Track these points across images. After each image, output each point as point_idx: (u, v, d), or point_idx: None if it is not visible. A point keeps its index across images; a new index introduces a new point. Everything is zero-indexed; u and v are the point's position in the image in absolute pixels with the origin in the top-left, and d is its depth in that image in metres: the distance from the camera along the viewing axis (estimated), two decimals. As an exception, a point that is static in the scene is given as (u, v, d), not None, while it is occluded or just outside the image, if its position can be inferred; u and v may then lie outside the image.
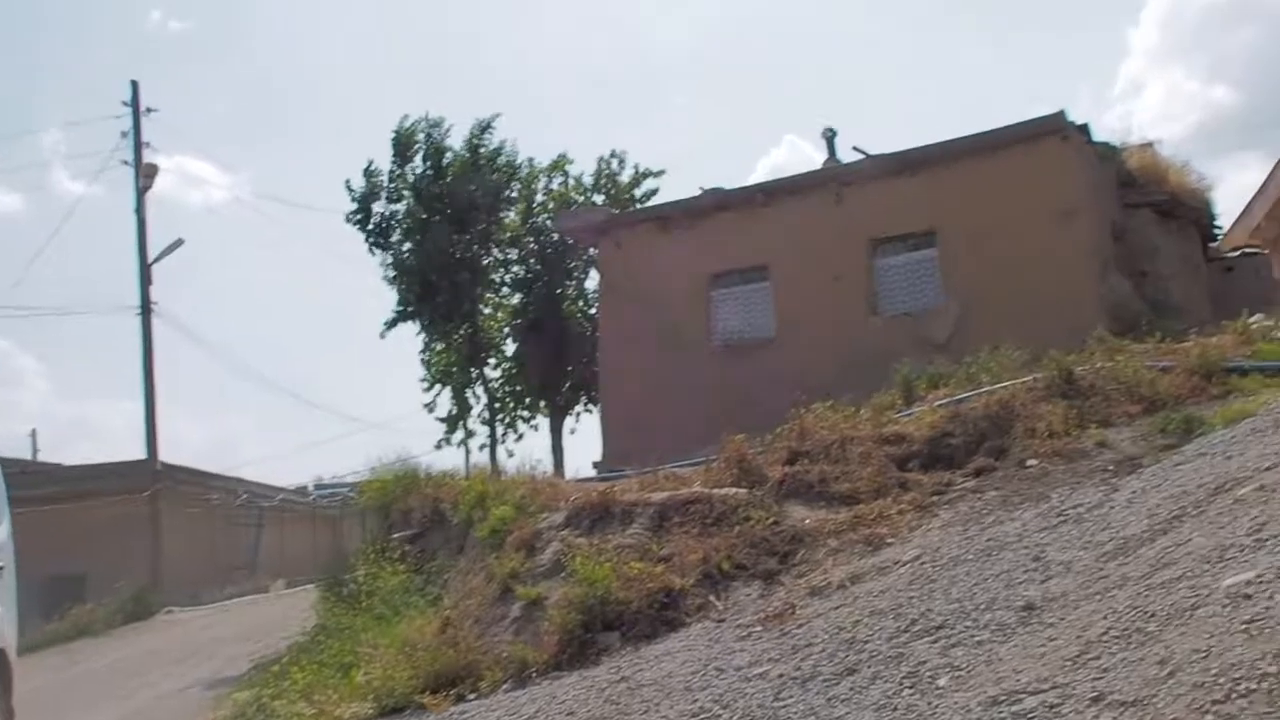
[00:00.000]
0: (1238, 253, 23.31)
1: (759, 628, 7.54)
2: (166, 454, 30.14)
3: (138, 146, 30.88)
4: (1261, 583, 4.85)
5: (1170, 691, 4.27)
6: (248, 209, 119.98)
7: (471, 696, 8.36)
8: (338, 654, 10.58)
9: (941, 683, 5.55)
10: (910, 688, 5.65)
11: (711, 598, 8.56)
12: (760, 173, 75.69)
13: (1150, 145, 21.21)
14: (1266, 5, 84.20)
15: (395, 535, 14.18)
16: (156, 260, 30.17)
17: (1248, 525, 5.79)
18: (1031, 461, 9.64)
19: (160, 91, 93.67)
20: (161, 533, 28.32)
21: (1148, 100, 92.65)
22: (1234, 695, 4.01)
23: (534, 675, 8.31)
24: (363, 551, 14.17)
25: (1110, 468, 8.96)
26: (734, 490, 10.18)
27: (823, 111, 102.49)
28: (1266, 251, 25.51)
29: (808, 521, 9.48)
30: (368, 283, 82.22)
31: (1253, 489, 6.51)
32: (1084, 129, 18.86)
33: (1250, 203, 33.01)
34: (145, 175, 30.53)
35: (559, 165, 30.15)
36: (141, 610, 23.71)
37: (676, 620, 8.38)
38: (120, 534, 27.71)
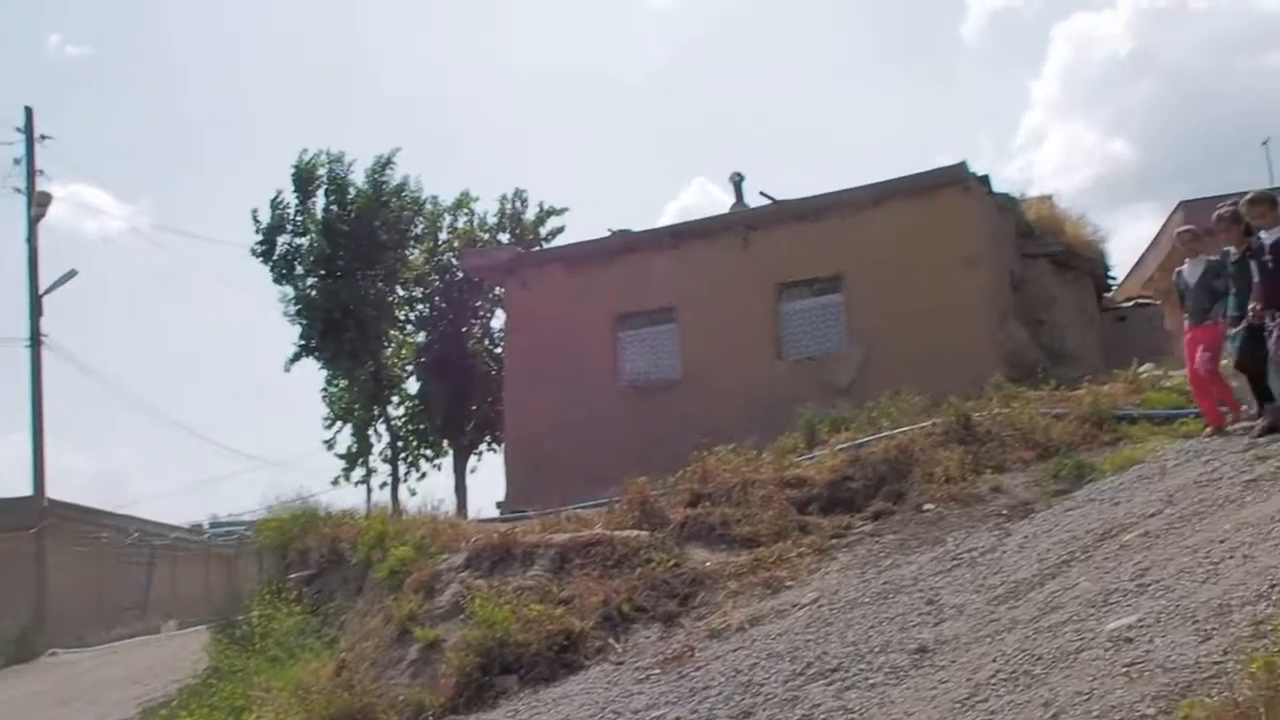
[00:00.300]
0: (1131, 303, 24.06)
1: (657, 670, 7.54)
2: (54, 489, 29.27)
3: (31, 174, 29.93)
4: (1143, 626, 4.96)
5: (1054, 733, 4.35)
6: (145, 240, 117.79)
7: (365, 740, 8.22)
8: (229, 697, 10.29)
9: (835, 726, 5.58)
10: (804, 731, 5.67)
11: (611, 640, 8.53)
12: (669, 215, 76.39)
13: (1048, 197, 21.83)
14: (1164, 61, 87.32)
15: (292, 575, 13.85)
16: (48, 291, 29.29)
17: (1131, 570, 5.94)
18: (928, 506, 9.78)
19: (57, 118, 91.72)
20: (47, 571, 27.20)
21: (1048, 152, 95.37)
22: (1114, 737, 4.09)
23: (430, 719, 8.19)
24: (258, 592, 13.84)
25: (1004, 512, 9.14)
26: (636, 532, 10.16)
27: (732, 156, 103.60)
28: (1159, 303, 26.35)
29: (708, 564, 9.50)
30: (267, 317, 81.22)
31: (1137, 535, 6.69)
32: (985, 180, 19.31)
33: (1144, 255, 34.10)
34: (38, 204, 29.55)
35: (463, 203, 30.09)
36: (25, 652, 22.81)
37: (576, 663, 8.33)
38: (3, 572, 26.71)
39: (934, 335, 17.43)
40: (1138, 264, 32.83)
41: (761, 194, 21.30)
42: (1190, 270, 10.21)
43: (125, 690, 15.49)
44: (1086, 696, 4.49)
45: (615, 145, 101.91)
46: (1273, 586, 4.69)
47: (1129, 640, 4.88)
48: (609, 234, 22.44)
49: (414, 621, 9.64)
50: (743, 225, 21.01)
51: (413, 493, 28.70)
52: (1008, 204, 20.22)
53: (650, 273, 21.17)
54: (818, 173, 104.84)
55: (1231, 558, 5.38)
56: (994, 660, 5.53)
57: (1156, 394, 11.64)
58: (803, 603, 8.02)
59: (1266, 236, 9.09)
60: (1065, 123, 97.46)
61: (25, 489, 28.71)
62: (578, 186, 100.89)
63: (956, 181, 18.62)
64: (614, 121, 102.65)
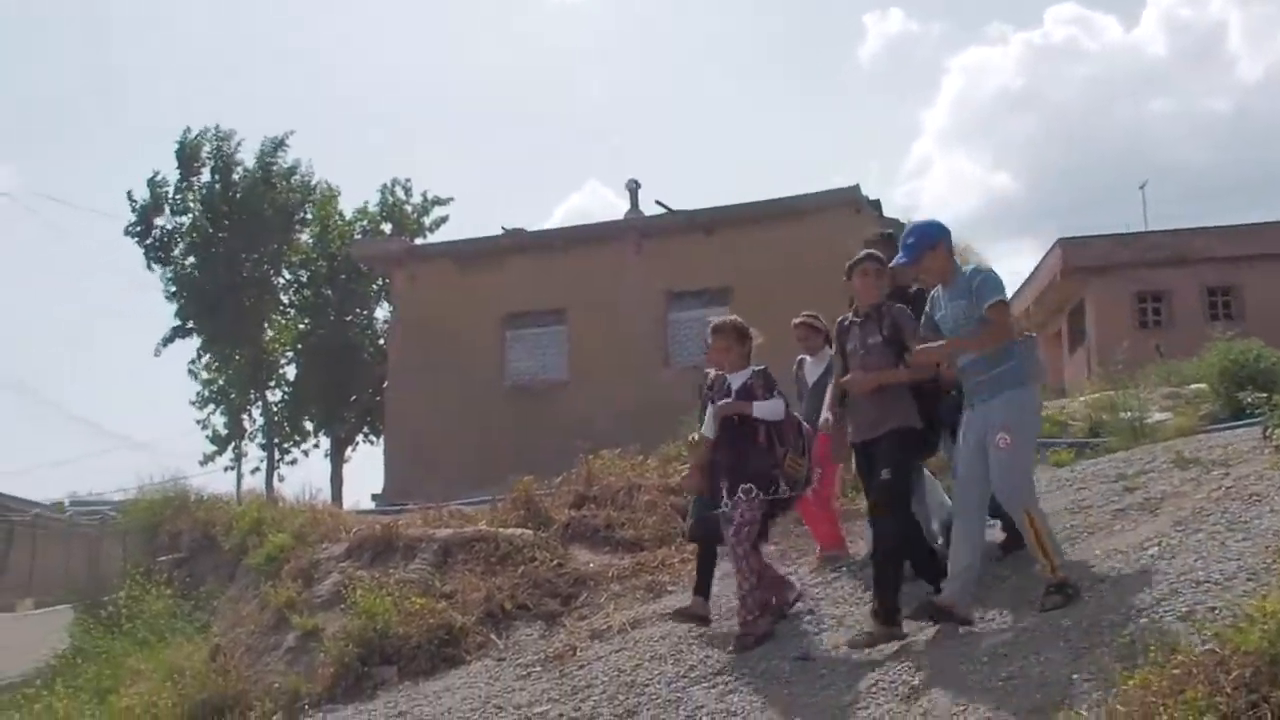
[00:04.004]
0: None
1: (539, 668, 7.58)
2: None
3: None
4: (1017, 644, 5.18)
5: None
6: (20, 208, 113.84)
7: (240, 727, 8.13)
8: (95, 678, 10.11)
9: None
10: (687, 732, 5.79)
11: (493, 636, 8.53)
12: (560, 216, 76.37)
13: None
14: (1050, 97, 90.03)
15: (161, 558, 13.60)
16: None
17: (1007, 592, 6.17)
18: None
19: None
20: None
21: (934, 180, 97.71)
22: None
23: (307, 707, 8.13)
24: (125, 573, 13.54)
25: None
26: (520, 530, 10.19)
27: (626, 161, 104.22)
28: (1034, 335, 27.27)
29: (592, 565, 9.57)
30: (142, 295, 79.03)
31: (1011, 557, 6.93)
32: (876, 204, 19.80)
33: (1021, 288, 35.07)
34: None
35: (330, 197, 29.57)
36: None
37: (457, 657, 8.31)
38: None
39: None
40: (1014, 297, 33.92)
41: (657, 202, 21.59)
42: (812, 368, 8.52)
43: None
44: (964, 708, 4.68)
45: (507, 142, 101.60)
46: (1139, 611, 4.94)
47: (1004, 656, 5.09)
48: (501, 232, 22.45)
49: (291, 609, 9.54)
50: (637, 232, 21.23)
51: (282, 479, 28.32)
52: (896, 229, 20.68)
53: (541, 273, 21.26)
54: (710, 184, 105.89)
55: (1103, 582, 5.65)
56: (874, 670, 5.71)
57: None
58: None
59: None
60: (951, 152, 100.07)
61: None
62: (466, 182, 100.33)
63: (849, 203, 19.09)
64: (506, 117, 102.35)
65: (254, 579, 11.27)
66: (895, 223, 20.92)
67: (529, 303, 21.53)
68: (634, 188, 23.36)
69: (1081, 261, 30.92)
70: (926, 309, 6.38)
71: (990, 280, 6.08)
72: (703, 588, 7.51)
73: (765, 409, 7.02)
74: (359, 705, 7.86)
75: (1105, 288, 30.54)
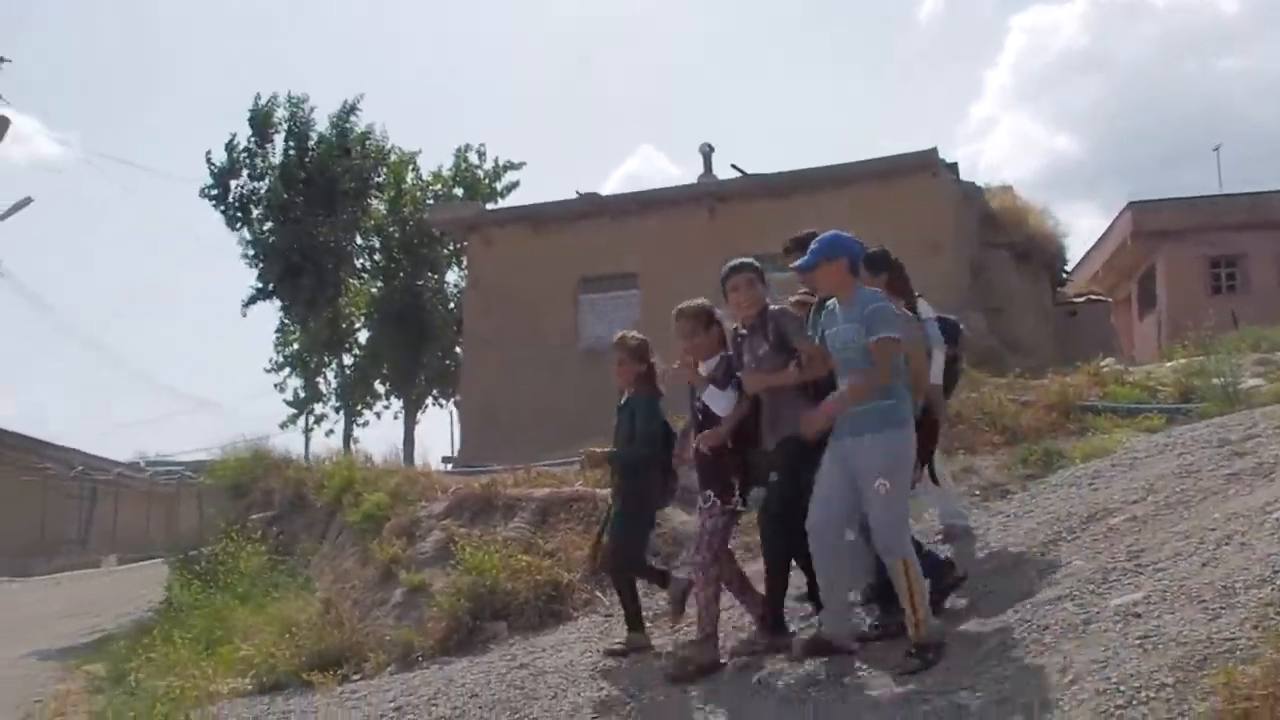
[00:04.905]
0: (1082, 298, 24.63)
1: (649, 624, 7.72)
2: (-12, 419, 29.28)
3: (-12, 98, 29.58)
4: (1149, 603, 5.23)
5: (1074, 697, 4.61)
6: (92, 171, 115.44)
7: (356, 677, 8.38)
8: (205, 630, 10.43)
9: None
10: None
11: (598, 593, 8.72)
12: (614, 182, 76.34)
13: (1010, 188, 22.23)
14: (1116, 57, 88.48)
15: (255, 516, 13.95)
16: (3, 218, 28.96)
17: (1125, 551, 6.22)
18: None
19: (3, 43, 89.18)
20: None
21: (994, 142, 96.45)
22: (1135, 702, 4.35)
23: (420, 659, 8.37)
24: (218, 530, 13.90)
25: (977, 492, 9.41)
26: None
27: (680, 127, 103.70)
28: (1110, 300, 27.03)
29: (688, 525, 9.66)
30: (216, 258, 79.86)
31: (1124, 519, 6.99)
32: (953, 167, 19.68)
33: (1089, 252, 34.71)
34: (-4, 129, 29.14)
35: (404, 162, 29.79)
36: (-31, 580, 22.83)
37: (564, 614, 8.53)
38: None
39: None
40: (1083, 260, 33.60)
41: (732, 166, 21.51)
42: None
43: (73, 621, 15.63)
44: (1102, 665, 4.75)
45: (562, 108, 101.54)
46: (1275, 572, 4.97)
47: (1137, 615, 5.15)
48: (576, 196, 22.55)
49: (398, 565, 9.80)
50: (711, 196, 21.21)
51: (356, 442, 28.75)
52: (972, 192, 20.60)
53: (615, 237, 21.34)
54: (762, 150, 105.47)
55: (1228, 544, 5.67)
56: (996, 631, 5.80)
57: (1120, 388, 11.98)
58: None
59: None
60: (1014, 113, 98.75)
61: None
62: (522, 150, 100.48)
63: (927, 166, 19.00)
64: (562, 84, 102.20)
65: (351, 536, 11.56)
66: (972, 185, 20.87)
67: (603, 267, 21.63)
68: (707, 151, 23.37)
69: (1153, 225, 30.56)
70: (821, 319, 6.22)
71: (883, 313, 5.81)
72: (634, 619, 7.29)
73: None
74: (473, 658, 8.05)
75: (1177, 252, 30.18)
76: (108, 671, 10.69)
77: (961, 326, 8.38)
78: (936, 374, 7.57)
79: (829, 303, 6.18)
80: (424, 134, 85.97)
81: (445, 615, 8.56)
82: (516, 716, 6.40)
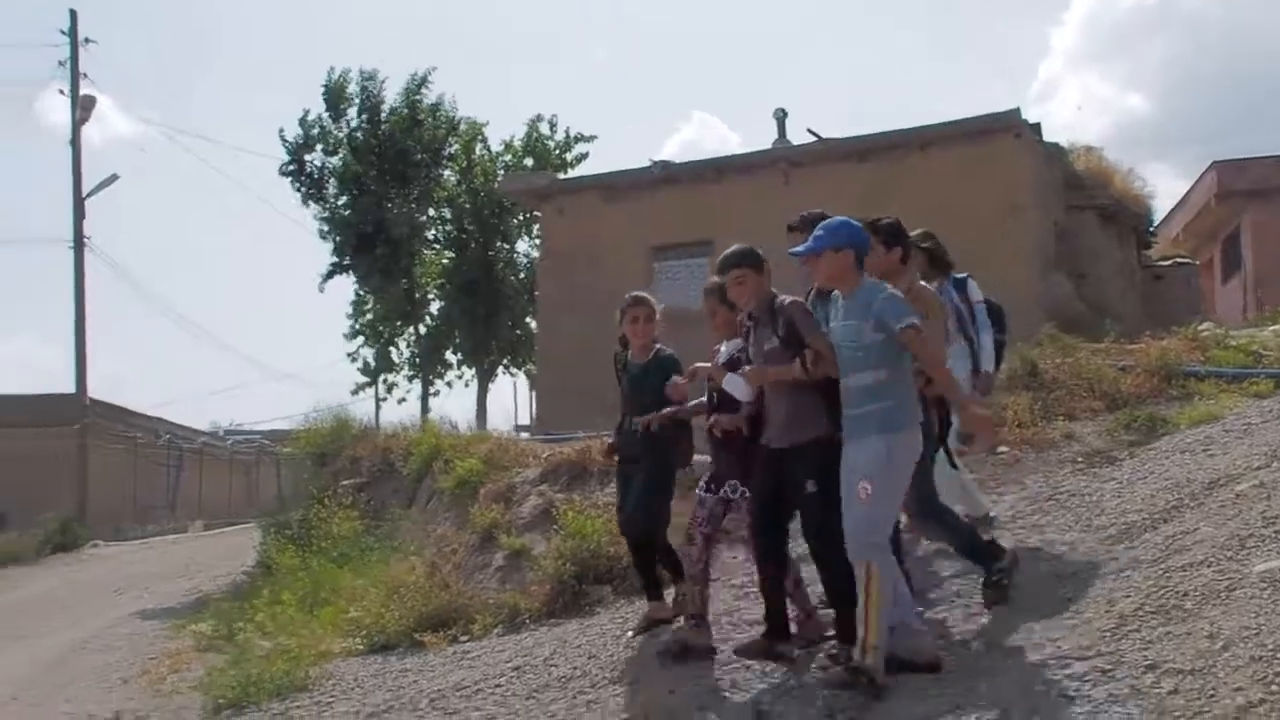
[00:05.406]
0: (1169, 261, 24.08)
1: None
2: (53, 387, 30.18)
3: (75, 77, 29.93)
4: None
5: (1228, 663, 4.44)
6: (177, 148, 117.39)
7: (464, 639, 8.44)
8: (309, 591, 10.60)
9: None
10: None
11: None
12: (669, 149, 75.91)
13: (1096, 149, 21.73)
14: (1187, 13, 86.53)
15: (345, 482, 14.11)
16: (91, 194, 29.43)
17: (1259, 518, 6.01)
18: (1003, 448, 9.84)
19: (88, 24, 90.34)
20: (88, 467, 28.14)
21: (1062, 102, 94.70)
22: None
23: (527, 622, 8.42)
24: (308, 496, 14.08)
25: (1080, 459, 9.20)
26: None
27: (732, 91, 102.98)
28: (1197, 263, 26.42)
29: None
30: (278, 230, 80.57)
31: (1250, 485, 6.76)
32: (1036, 128, 19.24)
33: (1170, 213, 33.95)
34: (83, 108, 29.72)
35: (475, 132, 29.82)
36: (69, 542, 23.47)
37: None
38: (46, 466, 27.88)
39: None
40: (1161, 223, 32.84)
41: (808, 130, 21.23)
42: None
43: (171, 583, 16.11)
44: (1255, 631, 4.59)
45: (614, 77, 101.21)
46: None
47: (1283, 581, 4.98)
48: (649, 164, 22.39)
49: (497, 530, 9.82)
50: (785, 162, 20.96)
51: (428, 411, 29.02)
52: (1056, 153, 20.17)
53: (689, 205, 21.17)
54: (824, 113, 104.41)
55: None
56: (1128, 596, 5.63)
57: (1223, 352, 11.67)
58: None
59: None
60: (1082, 73, 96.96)
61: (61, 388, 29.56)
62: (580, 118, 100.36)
63: (1009, 128, 18.57)
64: (610, 52, 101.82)
65: (444, 502, 11.64)
66: (1056, 146, 20.43)
67: (677, 234, 21.45)
68: (781, 116, 23.05)
69: (1238, 185, 29.65)
70: (830, 310, 5.86)
71: (893, 302, 5.50)
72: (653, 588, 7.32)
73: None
74: (581, 620, 8.08)
75: (1264, 213, 29.28)
76: (214, 631, 10.88)
77: (1003, 310, 8.25)
78: (988, 360, 7.42)
79: (834, 293, 5.86)
80: (480, 105, 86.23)
81: (550, 579, 8.59)
82: (635, 684, 6.35)
